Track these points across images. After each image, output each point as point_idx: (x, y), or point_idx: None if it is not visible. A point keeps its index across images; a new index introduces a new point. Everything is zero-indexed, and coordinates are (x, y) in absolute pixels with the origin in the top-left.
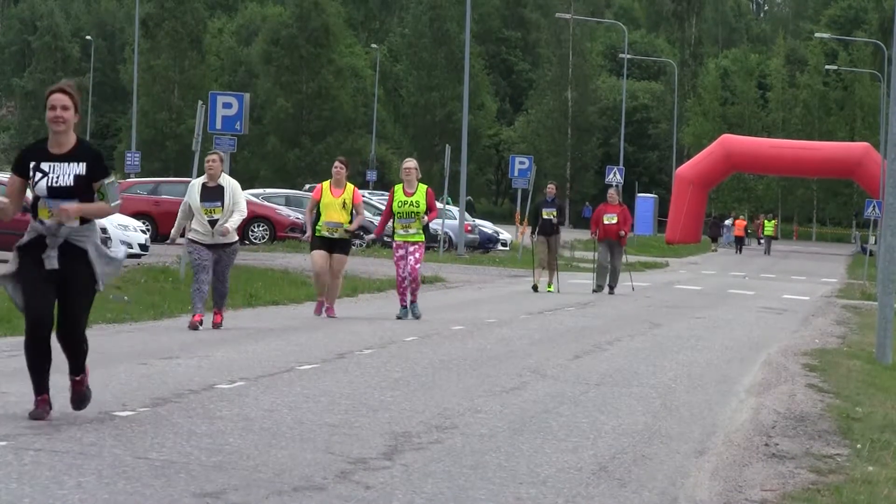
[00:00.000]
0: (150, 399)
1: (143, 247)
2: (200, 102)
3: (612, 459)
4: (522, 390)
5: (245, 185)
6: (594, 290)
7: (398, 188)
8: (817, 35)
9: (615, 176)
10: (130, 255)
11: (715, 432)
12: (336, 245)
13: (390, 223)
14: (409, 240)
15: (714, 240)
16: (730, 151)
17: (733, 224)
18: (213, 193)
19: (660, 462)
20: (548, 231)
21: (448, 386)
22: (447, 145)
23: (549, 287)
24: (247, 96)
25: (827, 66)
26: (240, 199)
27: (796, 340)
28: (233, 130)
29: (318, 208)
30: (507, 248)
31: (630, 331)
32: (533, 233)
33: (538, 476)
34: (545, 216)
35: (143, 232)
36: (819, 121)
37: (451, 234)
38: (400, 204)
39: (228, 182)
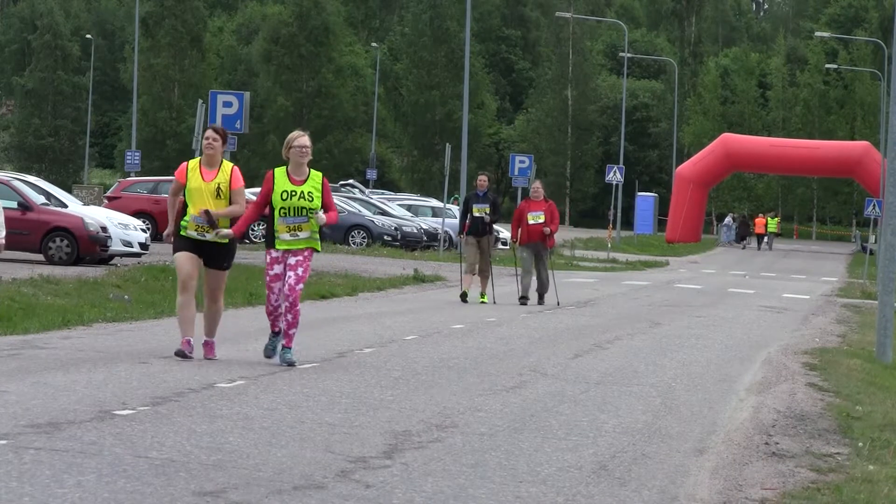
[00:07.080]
0: (150, 398)
1: (144, 245)
2: (200, 101)
3: (612, 458)
4: (522, 389)
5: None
6: (520, 302)
7: (279, 172)
8: (817, 34)
9: (615, 175)
10: (130, 255)
11: (715, 431)
12: (210, 254)
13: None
14: (297, 247)
15: (742, 238)
16: (730, 150)
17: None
18: None
19: (660, 461)
20: (479, 231)
21: (448, 385)
22: (447, 144)
23: (483, 297)
24: (247, 95)
25: (827, 65)
26: None
27: (796, 339)
28: (233, 129)
29: (185, 196)
30: (507, 248)
31: (630, 329)
32: (461, 232)
33: (538, 475)
34: (476, 213)
35: (143, 231)
36: (819, 120)
37: (451, 233)
38: (285, 195)
39: None
